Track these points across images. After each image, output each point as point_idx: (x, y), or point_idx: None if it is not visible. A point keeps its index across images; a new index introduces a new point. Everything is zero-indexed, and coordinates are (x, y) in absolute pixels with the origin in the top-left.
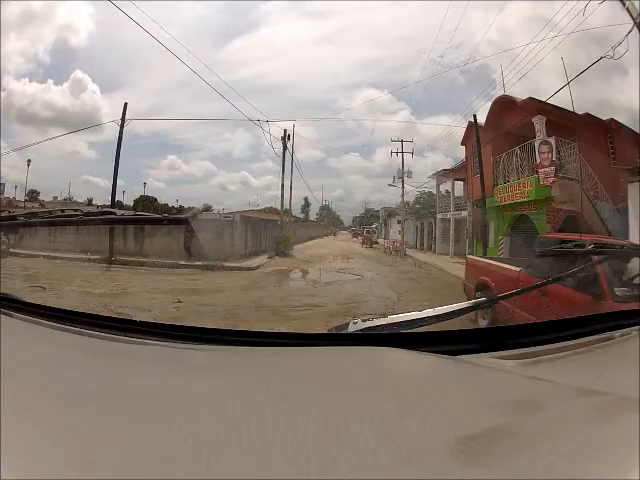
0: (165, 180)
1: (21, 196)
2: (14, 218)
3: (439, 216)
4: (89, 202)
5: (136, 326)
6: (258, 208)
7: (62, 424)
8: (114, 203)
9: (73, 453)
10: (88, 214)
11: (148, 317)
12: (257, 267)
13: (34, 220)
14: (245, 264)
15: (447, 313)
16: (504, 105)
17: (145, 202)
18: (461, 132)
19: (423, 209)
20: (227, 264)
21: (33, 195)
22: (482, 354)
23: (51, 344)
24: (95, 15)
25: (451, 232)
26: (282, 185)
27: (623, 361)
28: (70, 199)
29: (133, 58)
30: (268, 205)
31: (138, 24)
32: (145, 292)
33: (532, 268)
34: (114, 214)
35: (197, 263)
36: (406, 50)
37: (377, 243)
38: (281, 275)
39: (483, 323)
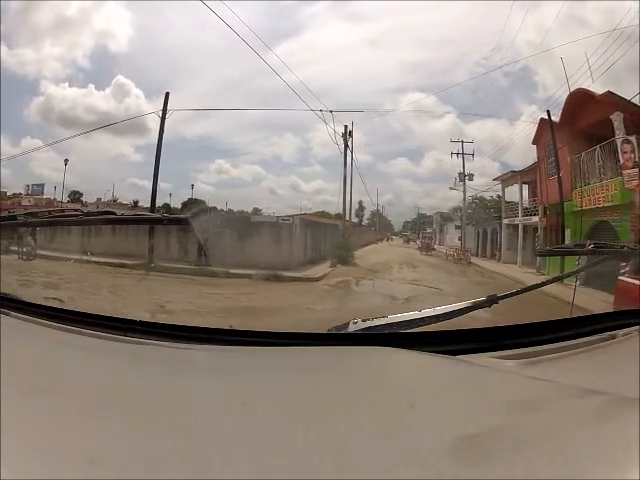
0: (213, 183)
1: (63, 197)
2: (14, 218)
3: (505, 221)
4: (135, 204)
5: (136, 326)
6: (311, 212)
7: (62, 424)
8: (154, 204)
9: (73, 453)
10: (88, 214)
11: (148, 317)
12: (321, 277)
13: (33, 220)
14: (306, 274)
15: (447, 313)
16: (581, 100)
17: (193, 205)
18: (512, 134)
19: (475, 213)
20: (286, 274)
21: (75, 196)
22: (482, 354)
23: (51, 344)
24: (134, 20)
25: (519, 239)
26: (344, 180)
27: (623, 361)
28: (115, 201)
29: (177, 62)
30: (319, 210)
31: (223, 17)
32: (188, 311)
33: None
34: (114, 214)
35: (251, 272)
36: (451, 52)
37: (434, 249)
38: (350, 288)
39: (483, 323)
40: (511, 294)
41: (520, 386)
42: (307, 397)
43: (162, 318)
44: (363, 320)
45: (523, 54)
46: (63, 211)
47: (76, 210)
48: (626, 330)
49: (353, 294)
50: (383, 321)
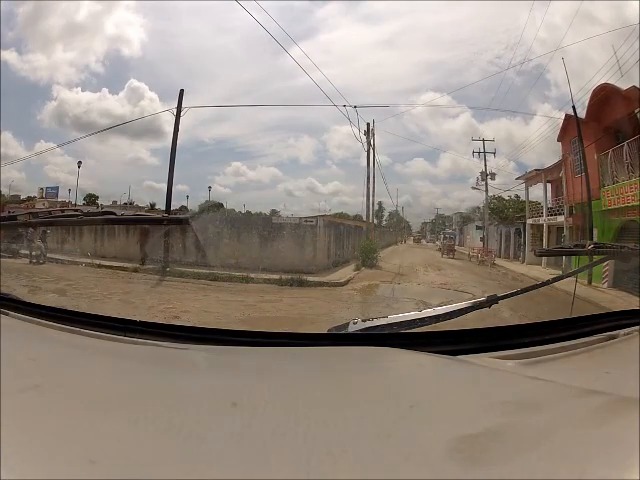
0: (231, 186)
1: (78, 200)
2: (14, 218)
3: (529, 221)
4: (151, 207)
5: (136, 326)
6: (330, 213)
7: (62, 424)
8: (169, 206)
9: (73, 453)
10: (88, 214)
11: (148, 317)
12: (346, 282)
13: (34, 220)
14: (331, 278)
15: (447, 313)
16: (607, 95)
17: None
18: (528, 132)
19: (496, 213)
20: (310, 278)
21: (91, 199)
22: (482, 354)
23: (51, 344)
24: (147, 25)
25: (544, 240)
26: (367, 180)
27: (623, 361)
28: (131, 203)
29: (192, 66)
30: (336, 211)
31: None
32: (202, 325)
33: None
34: (114, 214)
35: (273, 277)
36: (465, 52)
37: (455, 251)
38: (378, 294)
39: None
40: (511, 294)
41: (520, 386)
42: (307, 397)
43: (167, 321)
44: (363, 320)
45: (536, 52)
46: (63, 211)
47: (76, 210)
48: (626, 330)
49: (382, 301)
50: (383, 321)
